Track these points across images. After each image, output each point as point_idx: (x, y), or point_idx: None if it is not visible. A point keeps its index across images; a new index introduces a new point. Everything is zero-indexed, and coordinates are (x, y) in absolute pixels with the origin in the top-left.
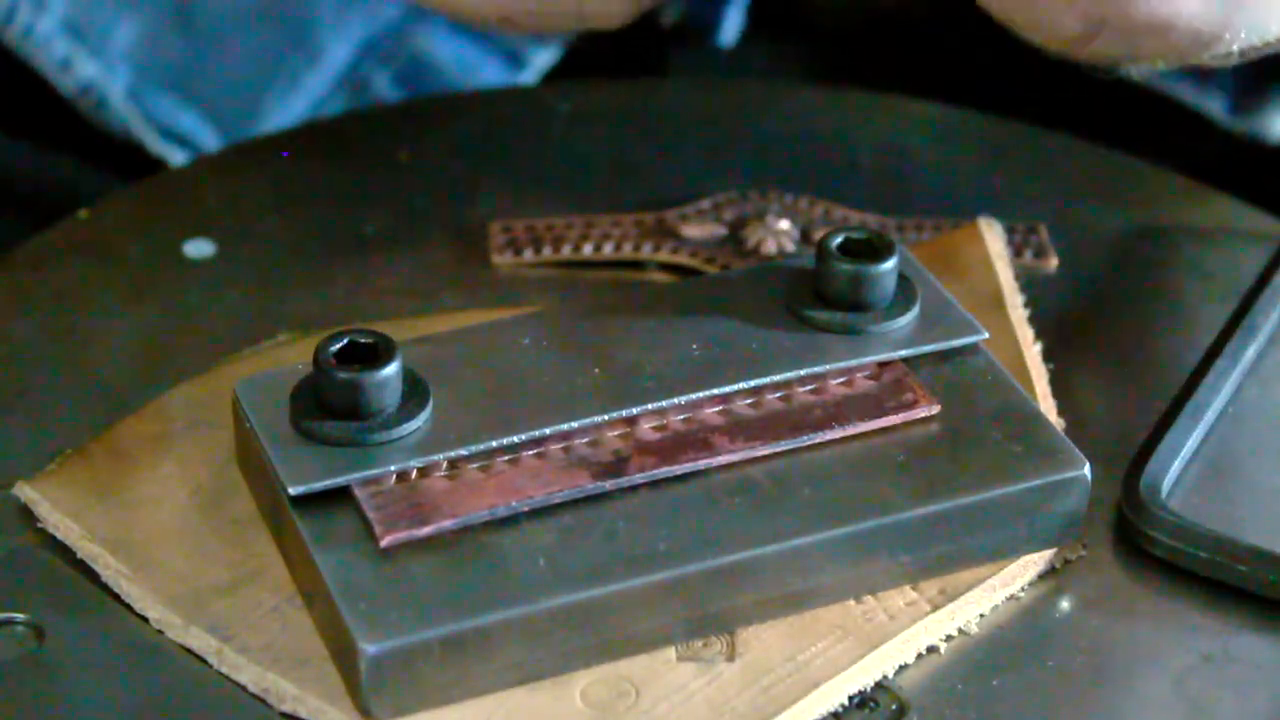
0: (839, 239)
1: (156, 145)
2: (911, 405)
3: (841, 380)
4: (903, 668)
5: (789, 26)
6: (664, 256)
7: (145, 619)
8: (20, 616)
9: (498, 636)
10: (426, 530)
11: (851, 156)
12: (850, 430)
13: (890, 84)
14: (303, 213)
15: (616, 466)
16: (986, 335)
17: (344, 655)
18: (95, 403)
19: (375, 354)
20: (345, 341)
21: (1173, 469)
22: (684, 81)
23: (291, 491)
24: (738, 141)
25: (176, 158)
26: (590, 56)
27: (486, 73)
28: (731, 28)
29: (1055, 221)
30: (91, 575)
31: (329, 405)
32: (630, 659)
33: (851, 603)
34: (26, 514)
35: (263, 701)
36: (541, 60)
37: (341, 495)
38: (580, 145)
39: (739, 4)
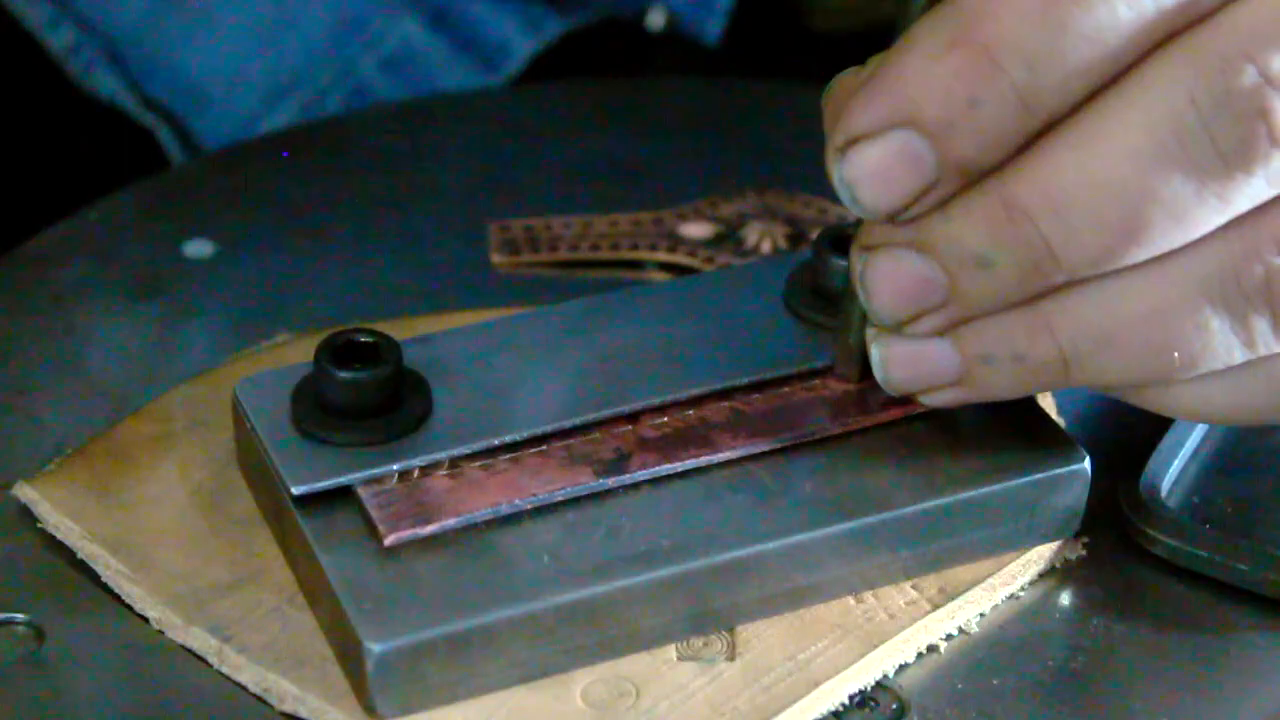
0: (834, 235)
1: (141, 115)
2: (911, 400)
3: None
4: (903, 667)
5: (788, 30)
6: (662, 256)
7: (145, 619)
8: (20, 616)
9: (502, 634)
10: (430, 529)
11: None
12: (850, 426)
13: None
14: (303, 213)
15: (618, 463)
16: None
17: (349, 655)
18: (95, 403)
19: (375, 354)
20: (345, 341)
21: (1172, 469)
22: (683, 81)
23: (294, 491)
24: (736, 141)
25: (160, 130)
26: (573, 59)
27: (459, 74)
28: (715, 31)
29: None
30: (91, 575)
31: (330, 405)
32: (631, 658)
33: (852, 602)
34: (26, 514)
35: (263, 701)
36: (516, 64)
37: (344, 495)
38: (579, 145)
39: (723, 8)
